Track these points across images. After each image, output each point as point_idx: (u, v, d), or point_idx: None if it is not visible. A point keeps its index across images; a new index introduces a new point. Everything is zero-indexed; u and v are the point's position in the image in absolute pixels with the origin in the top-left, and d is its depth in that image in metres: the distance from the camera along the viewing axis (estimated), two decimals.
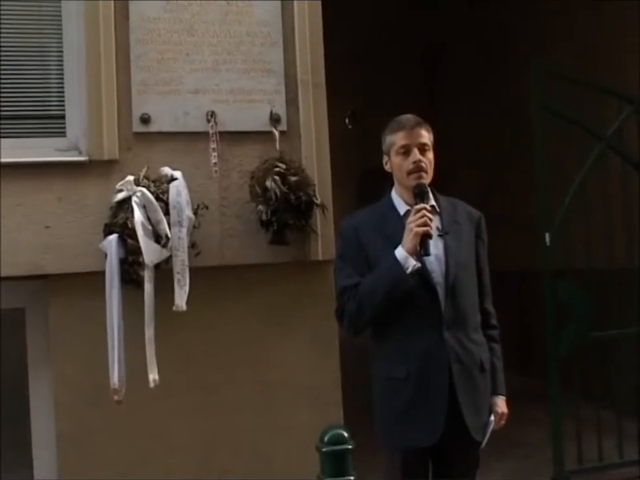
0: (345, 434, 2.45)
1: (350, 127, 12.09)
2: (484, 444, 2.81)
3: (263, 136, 3.70)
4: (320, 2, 3.89)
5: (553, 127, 4.50)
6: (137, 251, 3.24)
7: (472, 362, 2.75)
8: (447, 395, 2.68)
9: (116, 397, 3.25)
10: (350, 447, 2.42)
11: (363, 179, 11.09)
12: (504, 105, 7.96)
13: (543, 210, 4.52)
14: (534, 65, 4.50)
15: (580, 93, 4.52)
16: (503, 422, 2.87)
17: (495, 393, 2.86)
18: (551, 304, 4.48)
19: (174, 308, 3.30)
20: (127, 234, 3.26)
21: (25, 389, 3.52)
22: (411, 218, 2.64)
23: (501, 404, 2.87)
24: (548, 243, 4.48)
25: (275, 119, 3.73)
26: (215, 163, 3.57)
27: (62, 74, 3.63)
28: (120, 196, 3.33)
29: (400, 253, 2.63)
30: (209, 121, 3.63)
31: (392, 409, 2.76)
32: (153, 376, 3.29)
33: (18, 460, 3.54)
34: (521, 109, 4.90)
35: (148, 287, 3.29)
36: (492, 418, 2.82)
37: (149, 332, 3.30)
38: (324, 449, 2.41)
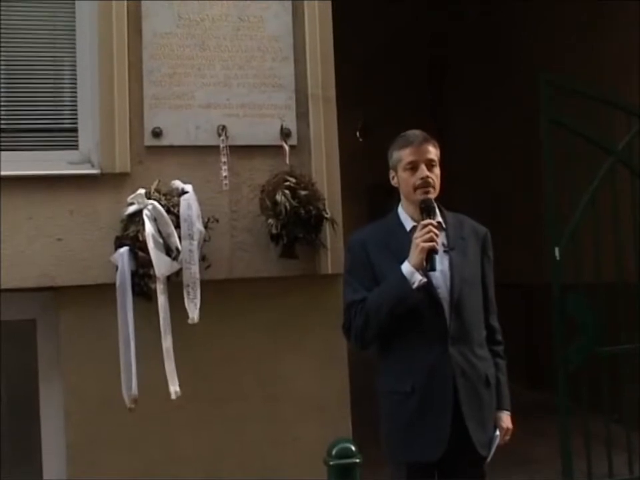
0: (353, 447, 2.46)
1: (361, 140, 12.11)
2: (489, 459, 2.83)
3: (274, 150, 3.72)
4: (331, 17, 3.91)
5: (562, 140, 4.51)
6: (148, 263, 3.27)
7: (477, 377, 2.77)
8: (452, 409, 2.71)
9: (133, 405, 3.28)
10: (357, 460, 2.44)
11: (373, 193, 11.10)
12: (513, 114, 7.98)
13: (552, 224, 4.52)
14: (542, 78, 4.51)
15: (588, 106, 4.53)
16: (507, 437, 2.90)
17: (500, 407, 2.89)
18: (559, 317, 4.47)
19: (189, 321, 3.32)
20: (137, 247, 3.28)
21: (36, 399, 3.54)
22: (417, 233, 2.67)
23: (505, 419, 2.89)
24: (558, 257, 4.47)
25: (285, 133, 3.75)
26: (225, 176, 3.59)
27: (75, 87, 3.66)
28: (131, 209, 3.35)
29: (406, 267, 2.66)
30: (219, 135, 3.65)
31: (397, 423, 2.79)
32: (174, 388, 3.31)
33: (28, 469, 3.56)
34: (530, 119, 4.90)
35: (162, 299, 3.31)
36: (497, 433, 2.84)
37: (166, 343, 3.32)
38: (332, 462, 2.43)
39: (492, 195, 8.69)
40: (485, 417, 2.80)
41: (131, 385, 3.26)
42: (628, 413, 4.60)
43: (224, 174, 3.59)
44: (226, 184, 3.60)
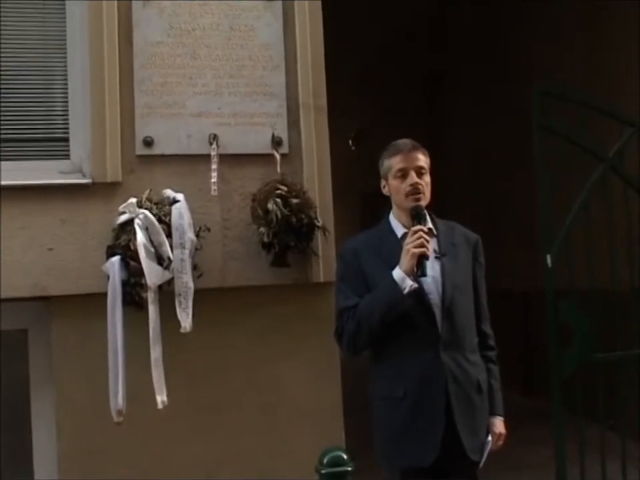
0: (344, 456, 2.45)
1: (353, 148, 12.12)
2: (482, 464, 2.84)
3: (265, 158, 3.72)
4: (321, 27, 3.92)
5: (555, 148, 4.51)
6: (139, 272, 3.26)
7: (469, 383, 2.79)
8: (444, 415, 2.72)
9: (120, 419, 3.25)
10: (349, 469, 2.43)
11: (366, 201, 11.11)
12: (511, 118, 7.95)
13: (545, 230, 4.52)
14: (535, 86, 4.51)
15: (582, 113, 4.53)
16: (500, 442, 2.91)
17: (493, 413, 2.90)
18: (553, 324, 4.47)
19: (181, 330, 3.31)
20: (129, 256, 3.27)
21: (27, 409, 3.53)
22: (408, 239, 2.70)
23: (498, 424, 2.91)
24: (549, 265, 4.48)
25: (276, 142, 3.75)
26: (214, 182, 3.57)
27: (66, 97, 3.66)
28: (122, 218, 3.34)
29: (397, 273, 2.68)
30: (211, 143, 3.65)
31: (389, 428, 2.81)
32: (161, 397, 3.29)
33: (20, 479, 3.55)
34: (528, 123, 4.91)
35: (152, 308, 3.30)
36: (489, 438, 2.85)
37: (155, 353, 3.30)
38: (323, 471, 2.42)
39: (489, 200, 8.69)
40: (476, 422, 2.81)
41: (117, 398, 3.23)
42: (622, 420, 4.60)
43: (213, 180, 3.57)
44: (215, 189, 3.57)
